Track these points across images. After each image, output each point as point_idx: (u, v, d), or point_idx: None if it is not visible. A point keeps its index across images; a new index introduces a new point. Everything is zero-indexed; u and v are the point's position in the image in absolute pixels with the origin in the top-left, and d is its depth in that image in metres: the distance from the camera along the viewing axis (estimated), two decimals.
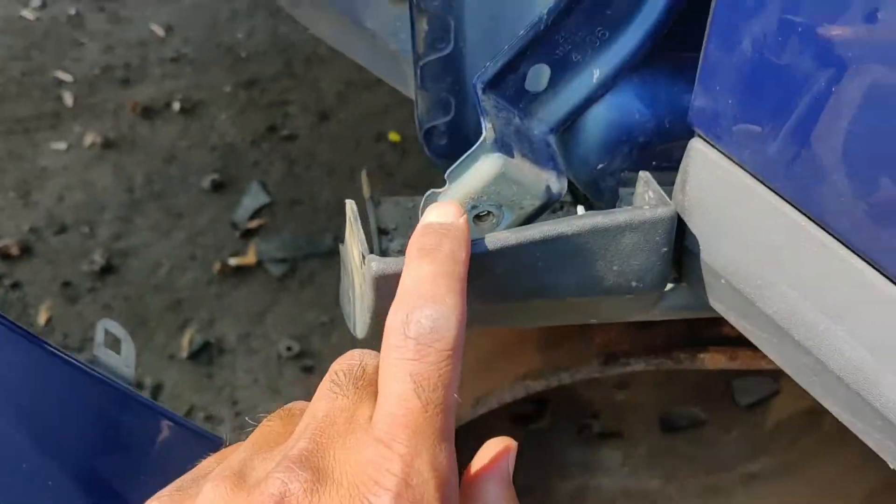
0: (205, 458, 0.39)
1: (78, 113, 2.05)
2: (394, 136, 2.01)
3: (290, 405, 0.42)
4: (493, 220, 0.47)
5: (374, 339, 0.45)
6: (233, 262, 1.72)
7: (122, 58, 2.22)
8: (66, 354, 0.48)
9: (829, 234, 0.40)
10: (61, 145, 1.96)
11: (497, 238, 0.45)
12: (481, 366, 0.73)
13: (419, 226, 0.42)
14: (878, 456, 0.45)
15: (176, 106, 2.08)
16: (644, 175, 0.48)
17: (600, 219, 0.45)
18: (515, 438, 0.42)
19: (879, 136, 0.36)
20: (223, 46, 2.28)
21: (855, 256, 0.39)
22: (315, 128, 2.04)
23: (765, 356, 0.82)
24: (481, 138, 0.44)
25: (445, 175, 0.45)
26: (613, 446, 1.22)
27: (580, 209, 0.55)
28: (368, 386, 0.37)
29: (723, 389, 1.35)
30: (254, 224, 1.80)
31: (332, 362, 0.39)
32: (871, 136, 0.37)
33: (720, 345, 0.72)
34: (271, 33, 2.33)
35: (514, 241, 0.45)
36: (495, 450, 0.41)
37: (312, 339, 1.60)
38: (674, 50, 0.49)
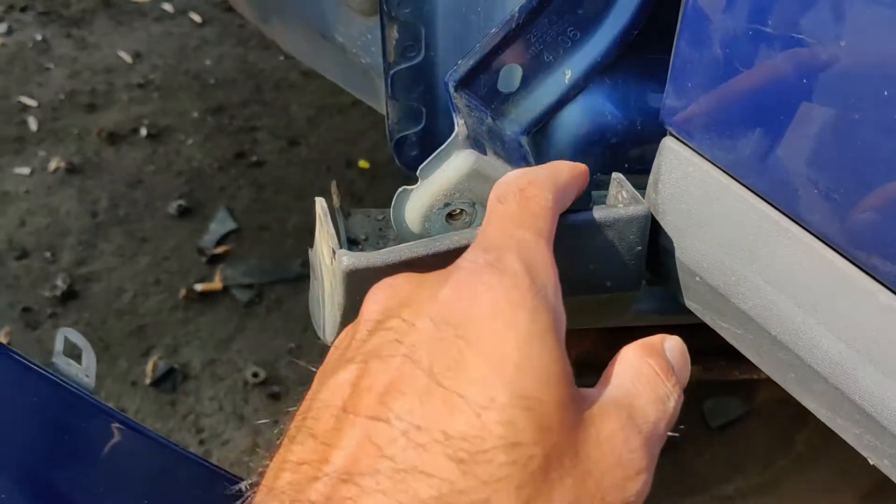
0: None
1: (42, 138, 2.02)
2: (363, 164, 2.00)
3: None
4: (466, 219, 0.46)
5: None
6: (199, 287, 1.69)
7: (88, 83, 2.20)
8: (24, 358, 0.46)
9: (802, 227, 0.40)
10: (24, 170, 1.93)
11: (468, 236, 0.44)
12: None
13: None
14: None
15: (143, 131, 2.05)
16: (617, 176, 0.48)
17: (574, 216, 0.45)
18: None
19: (850, 130, 0.37)
20: (191, 73, 2.27)
21: (828, 249, 0.39)
22: (284, 153, 2.03)
23: (738, 366, 0.82)
24: (453, 134, 0.43)
25: (417, 172, 0.45)
26: None
27: None
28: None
29: (694, 411, 1.35)
30: (220, 250, 1.77)
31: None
32: (841, 130, 0.37)
33: (694, 356, 0.71)
34: (240, 60, 2.32)
35: None
36: None
37: (279, 366, 1.57)
38: (643, 52, 0.49)
